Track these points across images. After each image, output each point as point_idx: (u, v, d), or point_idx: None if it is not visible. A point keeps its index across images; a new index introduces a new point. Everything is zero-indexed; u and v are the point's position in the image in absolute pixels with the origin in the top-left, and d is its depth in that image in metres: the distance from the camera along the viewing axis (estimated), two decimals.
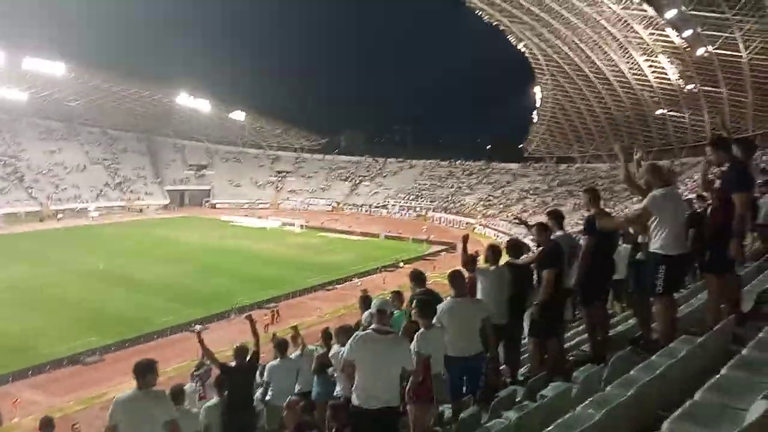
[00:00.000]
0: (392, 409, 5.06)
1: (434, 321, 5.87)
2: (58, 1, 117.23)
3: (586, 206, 6.77)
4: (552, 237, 6.73)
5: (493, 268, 6.71)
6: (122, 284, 40.84)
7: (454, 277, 6.25)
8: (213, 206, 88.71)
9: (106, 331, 31.81)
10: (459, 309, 6.01)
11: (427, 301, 5.63)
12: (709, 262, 5.69)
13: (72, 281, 41.94)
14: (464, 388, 6.20)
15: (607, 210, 6.71)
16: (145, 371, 5.30)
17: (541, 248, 6.70)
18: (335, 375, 7.33)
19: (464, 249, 6.85)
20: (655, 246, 5.59)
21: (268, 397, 8.22)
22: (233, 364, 7.98)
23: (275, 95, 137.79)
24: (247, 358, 7.89)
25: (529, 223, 7.58)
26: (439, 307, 6.04)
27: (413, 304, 5.56)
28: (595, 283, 6.50)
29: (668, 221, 5.49)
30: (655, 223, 5.56)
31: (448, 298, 6.16)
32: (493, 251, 6.81)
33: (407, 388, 5.23)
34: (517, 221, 8.02)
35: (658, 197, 5.53)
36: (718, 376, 3.64)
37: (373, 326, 5.21)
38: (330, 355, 7.71)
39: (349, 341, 5.22)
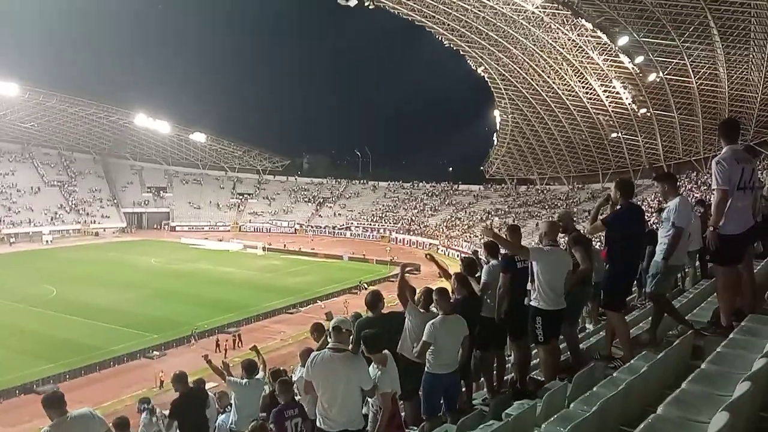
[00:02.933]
0: None
1: (425, 338, 5.93)
2: (11, 22, 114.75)
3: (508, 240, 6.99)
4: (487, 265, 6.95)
5: (422, 310, 6.64)
6: (77, 310, 39.61)
7: (441, 295, 6.27)
8: (173, 229, 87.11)
9: (61, 359, 30.81)
10: (450, 326, 6.06)
11: (375, 334, 5.53)
12: (607, 301, 6.07)
13: (24, 308, 40.54)
14: (442, 406, 6.23)
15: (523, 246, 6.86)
16: (60, 402, 5.04)
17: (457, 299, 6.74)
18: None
19: (402, 276, 6.96)
20: (532, 298, 6.08)
21: (232, 425, 7.97)
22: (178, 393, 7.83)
23: (236, 117, 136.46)
24: (190, 383, 7.81)
25: (444, 267, 7.81)
26: (432, 323, 6.01)
27: (362, 341, 5.47)
28: (519, 317, 6.57)
29: (546, 276, 5.97)
30: (536, 278, 6.02)
31: (439, 315, 6.15)
32: (426, 295, 6.80)
33: (378, 428, 5.13)
34: (429, 258, 8.15)
35: (543, 252, 6.07)
36: (678, 390, 3.70)
37: (329, 345, 5.14)
38: (295, 379, 7.59)
39: (307, 362, 5.15)
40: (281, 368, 9.50)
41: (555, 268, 6.08)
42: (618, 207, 5.89)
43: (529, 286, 6.34)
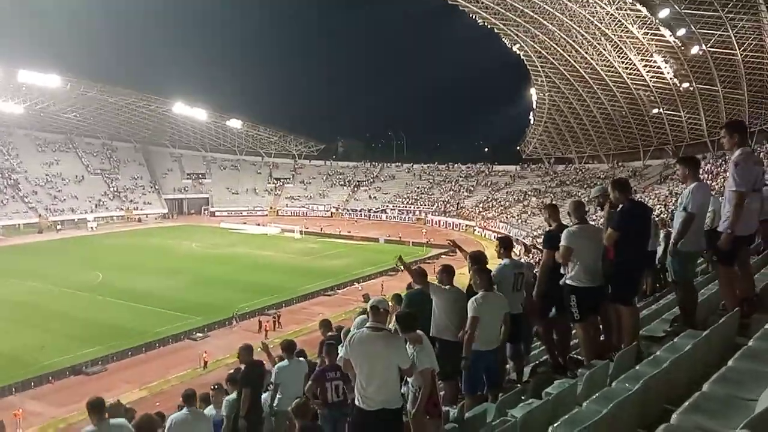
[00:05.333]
0: (389, 411, 4.92)
1: (472, 313, 5.98)
2: (52, 14, 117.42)
3: (547, 221, 6.99)
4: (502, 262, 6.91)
5: (447, 287, 6.70)
6: (122, 295, 40.78)
7: (480, 273, 6.29)
8: (212, 214, 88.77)
9: (108, 341, 31.81)
10: (491, 302, 6.09)
11: (409, 314, 5.56)
12: (612, 294, 6.03)
13: (72, 293, 41.89)
14: (485, 382, 6.27)
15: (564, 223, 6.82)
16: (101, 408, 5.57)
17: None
18: None
19: (409, 270, 7.09)
20: (568, 276, 6.07)
21: (275, 403, 8.08)
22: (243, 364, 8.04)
23: (271, 103, 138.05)
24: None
25: (466, 251, 7.77)
26: (474, 299, 6.08)
27: (396, 320, 5.52)
28: (554, 294, 6.54)
29: (580, 254, 5.95)
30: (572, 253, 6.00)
31: (480, 291, 6.16)
32: (447, 271, 6.89)
33: (417, 404, 5.16)
34: (450, 244, 8.18)
35: (571, 233, 6.03)
36: (725, 368, 3.62)
37: (367, 324, 5.18)
38: (337, 359, 7.71)
39: (345, 341, 5.22)
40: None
41: (586, 245, 6.01)
42: (620, 206, 5.87)
43: (562, 270, 6.30)
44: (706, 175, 45.35)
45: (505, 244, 7.16)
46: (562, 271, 6.28)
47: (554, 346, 6.95)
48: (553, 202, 8.40)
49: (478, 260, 6.88)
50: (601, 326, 6.61)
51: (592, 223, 6.88)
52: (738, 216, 5.07)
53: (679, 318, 6.20)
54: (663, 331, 6.18)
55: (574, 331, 7.10)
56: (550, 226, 6.89)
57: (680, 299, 6.27)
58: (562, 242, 6.10)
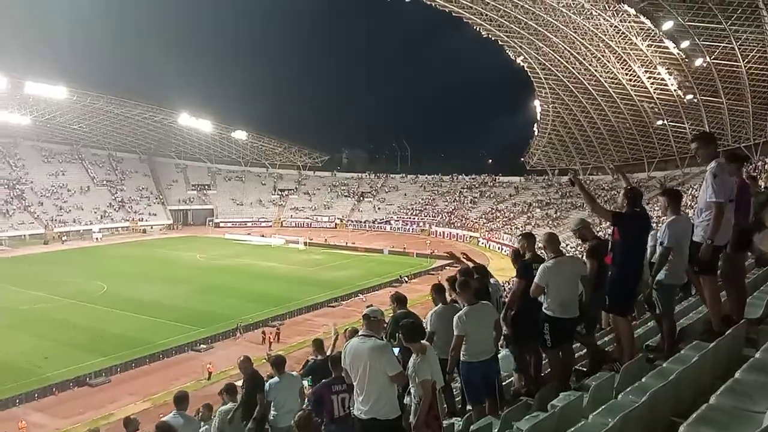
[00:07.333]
0: (380, 422, 4.88)
1: (457, 331, 6.02)
2: (59, 26, 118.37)
3: (522, 249, 7.05)
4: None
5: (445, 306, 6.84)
6: (127, 305, 40.79)
7: (462, 287, 6.28)
8: (217, 225, 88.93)
9: (112, 352, 31.80)
10: (476, 315, 6.10)
11: (413, 324, 5.55)
12: (610, 305, 6.13)
13: (77, 304, 41.91)
14: (484, 391, 6.26)
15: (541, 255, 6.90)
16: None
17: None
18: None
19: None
20: (544, 306, 6.19)
21: (271, 419, 7.97)
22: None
23: (276, 114, 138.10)
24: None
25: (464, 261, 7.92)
26: (458, 316, 6.09)
27: (399, 329, 5.52)
28: (527, 323, 6.57)
29: (555, 289, 6.08)
30: (547, 288, 6.13)
31: (464, 306, 6.18)
32: (437, 291, 7.07)
33: (417, 417, 5.10)
34: (449, 255, 8.38)
35: (547, 268, 6.10)
36: (732, 380, 3.61)
37: (359, 333, 5.22)
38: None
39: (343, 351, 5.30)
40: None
41: (561, 279, 6.07)
42: (624, 211, 5.91)
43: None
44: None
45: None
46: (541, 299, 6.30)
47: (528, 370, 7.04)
48: (530, 231, 8.46)
49: (464, 274, 6.96)
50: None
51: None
52: (717, 227, 5.20)
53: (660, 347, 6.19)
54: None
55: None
56: (523, 255, 6.96)
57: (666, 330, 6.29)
58: (536, 279, 6.15)
